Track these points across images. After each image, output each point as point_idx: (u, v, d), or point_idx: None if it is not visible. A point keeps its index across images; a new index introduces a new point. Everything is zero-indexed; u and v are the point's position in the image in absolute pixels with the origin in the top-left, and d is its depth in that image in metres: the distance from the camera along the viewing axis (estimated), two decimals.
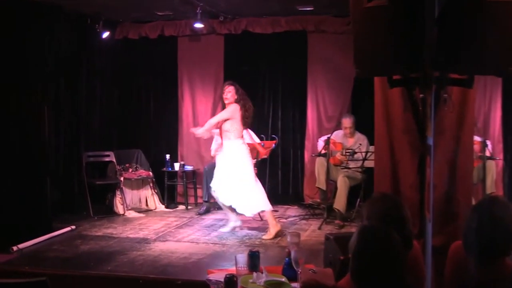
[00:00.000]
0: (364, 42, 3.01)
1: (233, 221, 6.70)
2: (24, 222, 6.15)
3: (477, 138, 5.87)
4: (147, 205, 8.32)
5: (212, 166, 7.93)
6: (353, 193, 7.17)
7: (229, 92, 6.48)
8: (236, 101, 6.44)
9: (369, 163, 6.71)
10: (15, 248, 5.74)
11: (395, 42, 2.79)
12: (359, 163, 7.14)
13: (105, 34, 8.25)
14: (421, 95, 3.24)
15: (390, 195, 3.30)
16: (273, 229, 6.41)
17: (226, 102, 6.51)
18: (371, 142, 6.89)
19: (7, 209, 6.04)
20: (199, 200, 8.48)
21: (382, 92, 4.62)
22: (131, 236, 6.58)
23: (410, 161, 4.38)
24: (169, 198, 8.47)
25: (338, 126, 7.61)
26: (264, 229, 6.88)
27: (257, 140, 8.01)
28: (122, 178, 7.97)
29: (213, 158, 8.07)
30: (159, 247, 6.04)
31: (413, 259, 2.72)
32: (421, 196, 4.19)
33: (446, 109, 3.19)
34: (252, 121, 6.72)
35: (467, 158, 4.07)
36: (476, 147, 6.02)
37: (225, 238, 6.42)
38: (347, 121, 7.47)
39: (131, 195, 8.26)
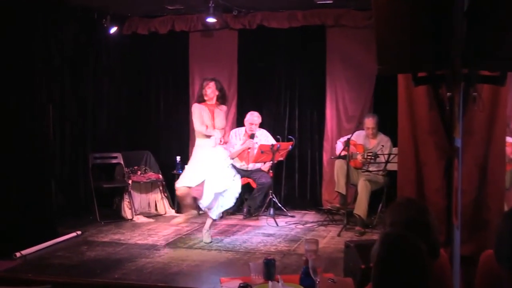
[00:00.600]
0: (387, 37, 2.99)
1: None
2: (28, 227, 6.19)
3: (509, 140, 5.80)
4: (156, 209, 8.35)
5: None
6: (374, 198, 7.14)
7: (209, 89, 6.52)
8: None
9: (392, 166, 6.66)
10: (18, 254, 5.78)
11: (421, 37, 2.77)
12: (381, 166, 7.09)
13: (113, 30, 8.28)
14: (448, 94, 3.22)
15: (414, 200, 3.27)
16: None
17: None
18: (394, 143, 6.84)
19: (9, 213, 6.07)
20: None
21: (406, 91, 4.58)
22: (139, 242, 6.59)
23: (436, 164, 4.34)
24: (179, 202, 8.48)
25: (358, 127, 7.57)
26: (280, 235, 6.87)
27: (273, 141, 8.00)
28: (130, 181, 7.99)
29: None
30: (169, 254, 6.05)
31: (439, 269, 2.69)
32: (448, 201, 4.15)
33: (475, 108, 3.15)
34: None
35: (498, 161, 4.02)
36: (509, 149, 5.94)
37: (238, 245, 6.40)
38: (370, 121, 7.43)
39: (140, 199, 8.28)
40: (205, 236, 6.52)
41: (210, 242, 6.46)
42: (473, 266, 2.90)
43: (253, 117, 7.95)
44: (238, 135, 8.09)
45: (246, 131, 8.04)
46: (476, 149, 3.91)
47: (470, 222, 3.82)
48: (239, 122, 8.35)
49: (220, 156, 6.47)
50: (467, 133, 3.70)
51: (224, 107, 6.64)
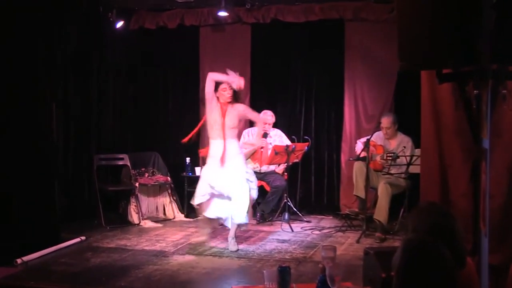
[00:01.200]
0: (410, 31, 2.97)
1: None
2: (30, 232, 6.20)
3: None
4: (164, 214, 8.36)
5: None
6: (396, 202, 7.10)
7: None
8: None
9: (415, 168, 6.63)
10: (19, 260, 5.79)
11: (446, 31, 2.74)
12: (403, 168, 7.05)
13: (119, 24, 8.31)
14: (475, 92, 3.19)
15: (439, 205, 3.24)
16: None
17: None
18: (416, 144, 6.80)
19: (10, 217, 6.10)
20: None
21: (430, 88, 4.57)
22: (147, 248, 6.60)
23: (462, 167, 4.32)
24: (189, 206, 8.46)
25: (378, 127, 7.53)
26: (295, 241, 6.85)
27: (288, 142, 7.99)
28: (137, 184, 8.01)
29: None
30: (178, 261, 6.05)
31: (466, 279, 2.66)
32: (475, 206, 4.12)
33: (505, 107, 3.11)
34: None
35: None
36: None
37: (251, 252, 6.39)
38: (385, 121, 7.39)
39: (147, 203, 8.29)
40: (231, 244, 6.48)
41: (237, 251, 6.41)
42: (503, 277, 2.87)
43: (266, 116, 7.94)
44: (251, 135, 8.08)
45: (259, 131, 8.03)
46: (505, 151, 3.87)
47: (499, 229, 3.79)
48: (252, 122, 8.33)
49: (236, 166, 6.46)
50: (496, 134, 3.67)
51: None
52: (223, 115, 6.39)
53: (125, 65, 8.86)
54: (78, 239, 6.79)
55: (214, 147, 6.43)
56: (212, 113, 6.40)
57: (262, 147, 7.90)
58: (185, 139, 7.02)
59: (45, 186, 6.60)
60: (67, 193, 7.53)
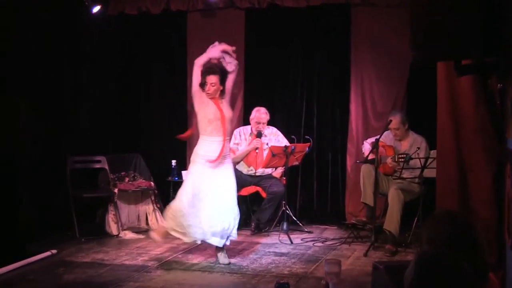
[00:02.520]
0: (425, 18, 2.96)
1: None
2: None
3: None
4: (147, 223, 8.36)
5: None
6: (408, 210, 7.10)
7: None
8: None
9: (430, 172, 6.64)
10: None
11: (467, 17, 2.73)
12: (417, 172, 7.06)
13: (96, 9, 8.29)
14: (499, 85, 3.18)
15: (457, 213, 3.23)
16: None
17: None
18: (431, 145, 6.81)
19: None
20: None
21: (448, 82, 4.57)
22: (127, 263, 6.59)
23: (483, 170, 4.32)
24: None
25: (389, 125, 7.53)
26: (295, 255, 6.84)
27: (285, 141, 7.99)
28: (116, 190, 8.01)
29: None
30: (162, 277, 6.04)
31: None
32: (498, 215, 4.12)
33: None
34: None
35: None
36: None
37: (245, 266, 6.39)
38: (392, 121, 7.36)
39: (128, 211, 8.29)
40: (221, 257, 6.49)
41: (229, 264, 6.43)
42: None
43: (260, 114, 7.94)
44: (243, 135, 8.08)
45: (252, 131, 8.03)
46: None
47: None
48: (247, 119, 8.33)
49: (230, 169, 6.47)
50: None
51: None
52: (220, 108, 6.36)
53: (103, 55, 8.83)
54: (48, 253, 6.76)
55: (210, 145, 6.38)
56: (207, 107, 6.36)
57: (257, 148, 7.89)
58: (184, 135, 6.97)
59: (10, 193, 6.57)
60: (36, 201, 7.49)
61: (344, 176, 8.54)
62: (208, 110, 6.33)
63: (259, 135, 7.88)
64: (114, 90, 9.09)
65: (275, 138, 8.05)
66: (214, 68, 6.36)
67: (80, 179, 8.15)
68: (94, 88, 8.76)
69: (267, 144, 7.89)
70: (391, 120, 7.42)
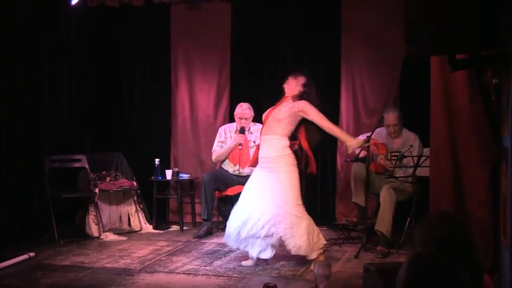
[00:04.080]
0: (418, 9, 2.96)
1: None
2: None
3: None
4: (129, 225, 8.36)
5: (214, 175, 7.94)
6: (401, 210, 7.12)
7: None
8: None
9: (423, 171, 6.65)
10: None
11: (462, 7, 2.72)
12: (410, 171, 7.07)
13: (75, 1, 8.23)
14: (495, 81, 3.18)
15: (452, 214, 3.23)
16: None
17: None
18: (425, 143, 6.82)
19: None
20: (198, 219, 8.47)
21: (442, 77, 4.57)
22: (108, 266, 6.56)
23: (479, 169, 4.32)
24: (158, 216, 8.47)
25: (381, 122, 7.55)
26: (283, 257, 6.83)
27: None
28: (97, 190, 7.99)
29: (216, 165, 8.09)
30: (145, 281, 6.02)
31: None
32: (495, 217, 4.13)
33: None
34: None
35: None
36: None
37: (232, 269, 6.38)
38: (390, 117, 7.39)
39: (109, 212, 8.28)
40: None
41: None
42: None
43: (242, 110, 7.94)
44: (228, 132, 8.07)
45: (237, 127, 8.03)
46: None
47: None
48: (233, 116, 8.32)
49: None
50: None
51: None
52: None
53: (82, 49, 8.80)
54: (25, 256, 6.72)
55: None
56: None
57: (240, 144, 7.87)
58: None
59: None
60: (12, 202, 7.44)
61: (334, 175, 8.56)
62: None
63: (242, 130, 7.87)
64: (95, 86, 9.04)
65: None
66: None
67: (58, 179, 8.10)
68: (74, 84, 8.71)
69: (254, 142, 7.86)
70: (383, 117, 7.43)
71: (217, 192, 8.01)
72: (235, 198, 6.95)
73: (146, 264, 6.62)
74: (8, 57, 7.51)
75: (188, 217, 8.64)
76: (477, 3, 2.69)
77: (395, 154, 7.13)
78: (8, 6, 7.39)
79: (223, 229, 7.37)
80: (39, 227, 7.77)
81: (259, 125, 8.09)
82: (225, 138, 8.06)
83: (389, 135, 7.49)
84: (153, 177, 8.45)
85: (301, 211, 6.27)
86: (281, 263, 6.61)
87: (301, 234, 6.13)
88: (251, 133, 7.99)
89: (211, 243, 7.50)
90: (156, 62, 9.08)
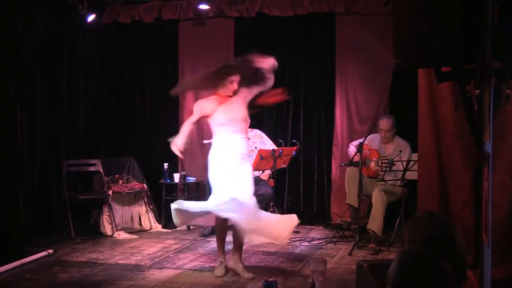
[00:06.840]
0: (406, 26, 2.97)
1: None
2: None
3: None
4: (140, 224, 8.34)
5: None
6: (391, 211, 7.11)
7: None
8: None
9: (412, 175, 6.64)
10: None
11: (446, 25, 2.74)
12: (399, 175, 7.07)
13: (91, 17, 8.26)
14: (477, 91, 3.19)
15: (438, 214, 3.24)
16: None
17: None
18: (414, 149, 6.82)
19: None
20: None
21: (428, 88, 4.58)
22: (120, 262, 6.56)
23: (462, 173, 4.33)
24: (167, 216, 8.45)
25: (373, 129, 7.54)
26: (282, 254, 6.83)
27: (270, 142, 7.98)
28: (110, 192, 7.98)
29: None
30: (154, 276, 6.02)
31: None
32: (476, 216, 4.13)
33: (508, 108, 3.12)
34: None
35: None
36: None
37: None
38: (385, 123, 7.40)
39: (121, 213, 8.27)
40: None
41: None
42: None
43: None
44: None
45: None
46: (509, 156, 3.88)
47: (502, 240, 3.79)
48: None
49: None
50: (499, 137, 3.68)
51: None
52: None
53: (97, 62, 8.81)
54: (44, 253, 6.72)
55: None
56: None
57: None
58: None
59: (8, 195, 6.53)
60: (33, 203, 7.46)
61: (329, 178, 8.54)
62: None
63: None
64: (108, 96, 9.05)
65: (259, 140, 8.02)
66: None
67: (75, 182, 8.16)
68: (89, 93, 8.73)
69: (256, 147, 7.86)
70: (374, 124, 7.44)
71: None
72: None
73: (156, 260, 6.62)
74: (30, 69, 7.53)
75: None
76: (460, 21, 2.71)
77: (386, 160, 7.14)
78: (29, 23, 7.41)
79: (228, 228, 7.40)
80: (57, 226, 7.78)
81: (256, 131, 8.09)
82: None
83: (381, 140, 7.49)
84: (162, 180, 8.44)
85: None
86: (280, 260, 6.61)
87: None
88: (248, 138, 7.96)
89: (214, 241, 7.48)
90: (165, 73, 9.07)
